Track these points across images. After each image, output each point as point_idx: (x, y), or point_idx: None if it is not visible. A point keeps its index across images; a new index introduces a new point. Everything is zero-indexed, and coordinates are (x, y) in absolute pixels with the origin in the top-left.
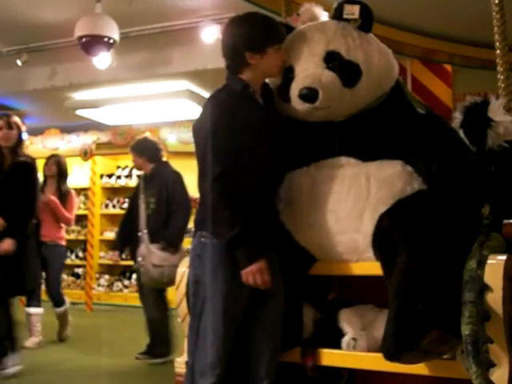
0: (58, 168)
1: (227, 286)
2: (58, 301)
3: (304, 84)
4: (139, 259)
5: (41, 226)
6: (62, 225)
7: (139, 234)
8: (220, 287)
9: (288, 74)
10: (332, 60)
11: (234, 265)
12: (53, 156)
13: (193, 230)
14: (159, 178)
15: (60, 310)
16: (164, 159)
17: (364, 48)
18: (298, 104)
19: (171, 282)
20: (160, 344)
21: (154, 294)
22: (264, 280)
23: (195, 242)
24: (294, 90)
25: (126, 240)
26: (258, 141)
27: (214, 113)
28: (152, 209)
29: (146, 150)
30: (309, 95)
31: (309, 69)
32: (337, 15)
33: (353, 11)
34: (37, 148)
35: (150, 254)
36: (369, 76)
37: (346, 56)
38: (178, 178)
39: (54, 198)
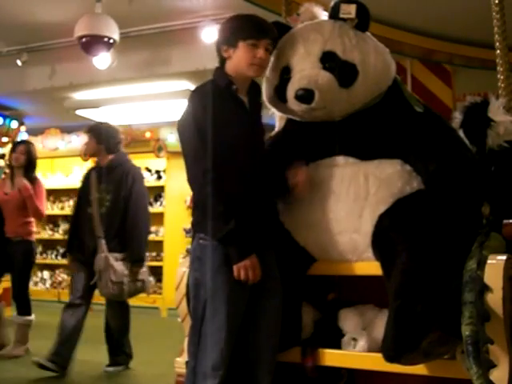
0: (28, 157)
1: (229, 287)
2: (20, 306)
3: (300, 85)
4: (96, 269)
5: (4, 222)
6: (31, 219)
7: (97, 239)
8: (221, 288)
9: (284, 74)
10: (328, 60)
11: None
12: (23, 143)
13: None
14: (118, 173)
15: (21, 319)
16: (123, 151)
17: (360, 48)
18: (294, 105)
19: (134, 295)
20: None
21: (113, 305)
22: (256, 274)
23: (194, 244)
24: (291, 90)
25: (76, 243)
26: (240, 138)
27: (198, 107)
28: (107, 207)
29: (107, 138)
30: (305, 96)
31: (305, 69)
32: (333, 14)
33: (349, 10)
34: (37, 148)
35: (108, 268)
36: (365, 76)
37: (343, 56)
38: (138, 175)
39: (28, 185)
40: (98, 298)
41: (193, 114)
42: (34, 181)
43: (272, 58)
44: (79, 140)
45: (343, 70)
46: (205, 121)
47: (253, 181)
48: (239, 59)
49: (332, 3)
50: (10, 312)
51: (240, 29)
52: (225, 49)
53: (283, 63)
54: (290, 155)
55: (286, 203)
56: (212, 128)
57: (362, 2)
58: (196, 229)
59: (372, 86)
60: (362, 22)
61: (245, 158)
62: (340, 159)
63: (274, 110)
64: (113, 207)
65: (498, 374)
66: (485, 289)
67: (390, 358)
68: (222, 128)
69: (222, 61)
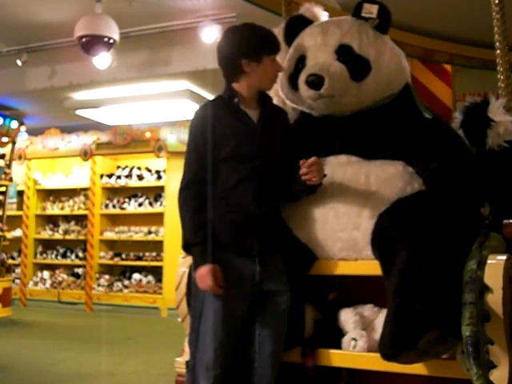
0: None
1: (225, 286)
2: None
3: (312, 71)
4: None
5: None
6: None
7: None
8: (206, 296)
9: (300, 63)
10: (343, 53)
11: (231, 266)
12: None
13: None
14: None
15: None
16: None
17: (377, 46)
18: (304, 90)
19: None
20: None
21: None
22: (206, 285)
23: None
24: (303, 76)
25: None
26: (238, 150)
27: (191, 124)
28: None
29: None
30: (315, 82)
31: (319, 58)
32: (355, 13)
33: (371, 10)
34: (37, 148)
35: None
36: (378, 73)
37: (358, 50)
38: None
39: None
40: (99, 298)
41: (190, 132)
42: None
43: (290, 49)
44: (79, 140)
45: (356, 64)
46: (196, 137)
47: (258, 187)
48: (264, 74)
49: (356, 2)
50: (10, 312)
51: (264, 43)
52: (246, 63)
53: (300, 52)
54: (297, 149)
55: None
56: (203, 145)
57: (384, 4)
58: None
59: (383, 85)
60: (383, 23)
61: (246, 167)
62: (343, 157)
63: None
64: None
65: (498, 374)
66: (485, 289)
67: (387, 356)
68: (217, 143)
69: (234, 74)
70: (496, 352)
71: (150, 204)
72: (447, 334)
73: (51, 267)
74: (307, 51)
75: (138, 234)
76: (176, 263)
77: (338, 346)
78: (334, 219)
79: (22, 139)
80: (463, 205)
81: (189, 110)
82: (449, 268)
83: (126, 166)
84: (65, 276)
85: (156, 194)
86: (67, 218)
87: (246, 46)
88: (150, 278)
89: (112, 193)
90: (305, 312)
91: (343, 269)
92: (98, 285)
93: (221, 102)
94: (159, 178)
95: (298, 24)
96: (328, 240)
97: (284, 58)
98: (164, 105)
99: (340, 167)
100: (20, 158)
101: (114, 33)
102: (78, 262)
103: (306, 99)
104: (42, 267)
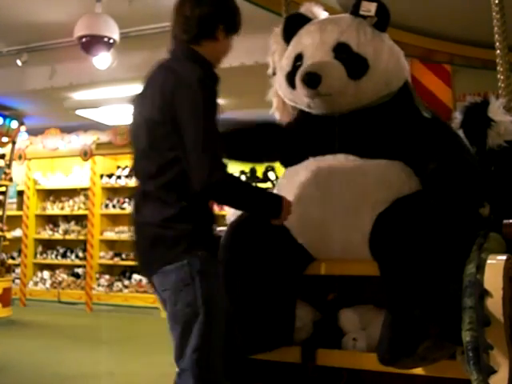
0: None
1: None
2: None
3: (308, 69)
4: None
5: None
6: None
7: None
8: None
9: (297, 61)
10: (341, 51)
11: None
12: None
13: None
14: None
15: None
16: None
17: (375, 44)
18: (300, 88)
19: None
20: None
21: None
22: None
23: (190, 258)
24: (299, 74)
25: None
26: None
27: (200, 95)
28: None
29: None
30: (312, 80)
31: (316, 56)
32: (354, 11)
33: (369, 8)
34: (37, 148)
35: None
36: (375, 72)
37: (356, 49)
38: None
39: None
40: (99, 298)
41: (202, 107)
42: None
43: (289, 47)
44: (79, 140)
45: (354, 62)
46: (211, 115)
47: None
48: (225, 48)
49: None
50: (10, 312)
51: (239, 20)
52: (221, 29)
53: (297, 50)
54: (292, 151)
55: None
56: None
57: (383, 2)
58: (189, 242)
59: (381, 83)
60: (382, 21)
61: None
62: (341, 157)
63: (285, 100)
64: None
65: (498, 377)
66: (484, 293)
67: (385, 361)
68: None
69: (201, 35)
70: (496, 355)
71: None
72: (447, 340)
73: (51, 267)
74: (304, 49)
75: None
76: None
77: (338, 346)
78: (332, 219)
79: (22, 139)
80: (462, 205)
81: None
82: (448, 271)
83: (126, 166)
84: (65, 276)
85: None
86: (67, 218)
87: (229, 14)
88: None
89: (112, 193)
90: (305, 312)
91: (343, 269)
92: (98, 285)
93: (213, 75)
94: None
95: (296, 22)
96: (325, 240)
97: (282, 55)
98: None
99: (338, 167)
100: (20, 158)
101: (113, 33)
102: (77, 262)
103: (303, 97)
104: (42, 267)
